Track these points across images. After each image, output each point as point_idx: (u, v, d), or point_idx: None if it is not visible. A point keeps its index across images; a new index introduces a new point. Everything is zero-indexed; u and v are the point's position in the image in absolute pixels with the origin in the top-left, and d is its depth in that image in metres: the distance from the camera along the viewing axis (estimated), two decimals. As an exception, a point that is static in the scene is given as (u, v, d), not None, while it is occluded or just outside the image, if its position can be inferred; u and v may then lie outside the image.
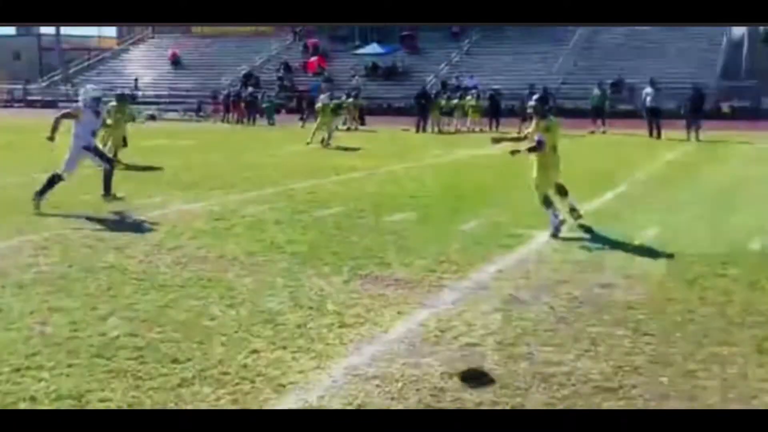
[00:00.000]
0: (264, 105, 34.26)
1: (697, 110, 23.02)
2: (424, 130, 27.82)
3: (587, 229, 7.96)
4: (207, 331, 4.66)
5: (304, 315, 5.00)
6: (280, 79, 44.65)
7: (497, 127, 27.64)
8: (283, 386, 3.85)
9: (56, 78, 49.97)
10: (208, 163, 15.13)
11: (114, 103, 14.53)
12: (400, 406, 3.65)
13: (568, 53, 41.78)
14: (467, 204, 9.82)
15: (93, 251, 6.88)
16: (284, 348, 4.37)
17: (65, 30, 52.68)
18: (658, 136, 22.98)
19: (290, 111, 38.35)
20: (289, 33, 51.56)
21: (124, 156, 13.86)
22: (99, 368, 4.05)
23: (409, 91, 35.96)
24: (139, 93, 42.16)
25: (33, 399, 3.68)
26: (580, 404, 3.66)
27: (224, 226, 8.24)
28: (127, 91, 24.18)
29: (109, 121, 11.98)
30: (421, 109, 28.37)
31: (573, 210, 8.18)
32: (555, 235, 7.65)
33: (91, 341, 4.46)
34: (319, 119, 20.91)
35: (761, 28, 39.85)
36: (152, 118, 33.89)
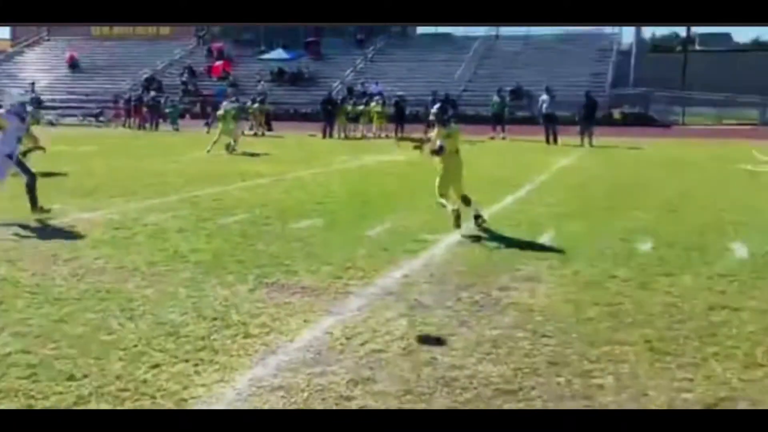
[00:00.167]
0: (167, 110, 33.46)
1: (589, 117, 24.14)
2: (331, 135, 27.90)
3: (488, 233, 8.17)
4: (105, 346, 4.51)
5: (208, 326, 4.91)
6: (183, 83, 43.76)
7: (402, 132, 27.94)
8: (185, 401, 3.77)
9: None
10: (109, 170, 14.64)
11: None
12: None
13: (469, 60, 42.75)
14: (373, 209, 9.90)
15: (-19, 264, 6.54)
16: (186, 361, 4.28)
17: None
18: (555, 141, 23.93)
19: (195, 116, 37.63)
20: (192, 37, 50.61)
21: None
22: (-13, 389, 3.86)
23: (315, 96, 35.96)
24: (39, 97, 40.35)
25: None
26: (482, 408, 3.75)
27: (124, 235, 7.99)
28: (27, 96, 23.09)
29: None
30: (328, 114, 28.43)
31: (477, 217, 8.46)
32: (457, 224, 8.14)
33: (-22, 360, 4.24)
34: (221, 126, 20.60)
35: (648, 39, 41.90)
36: (50, 123, 32.51)
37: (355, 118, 29.42)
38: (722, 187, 12.62)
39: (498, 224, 8.66)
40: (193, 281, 6.08)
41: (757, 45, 73.11)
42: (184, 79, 44.29)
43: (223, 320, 5.04)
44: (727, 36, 76.16)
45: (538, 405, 3.78)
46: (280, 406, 3.73)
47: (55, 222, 8.71)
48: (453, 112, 9.45)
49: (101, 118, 36.61)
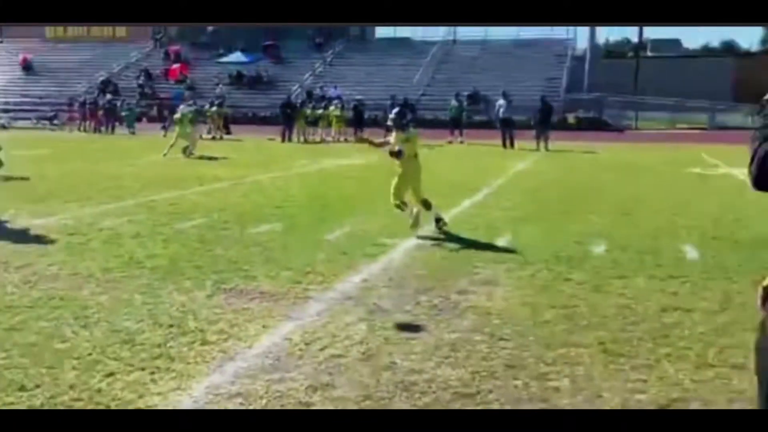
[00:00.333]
0: (123, 113, 32.97)
1: (545, 121, 24.52)
2: (290, 139, 27.80)
3: (447, 237, 8.23)
4: (58, 355, 4.42)
5: (164, 333, 4.85)
6: (140, 86, 43.20)
7: (364, 142, 28.00)
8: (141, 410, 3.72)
9: None
10: (63, 174, 14.37)
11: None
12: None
13: (427, 65, 43.03)
14: (333, 213, 9.89)
15: (-71, 272, 6.36)
16: (142, 369, 4.22)
17: None
18: (512, 145, 24.25)
19: (151, 119, 37.16)
20: (149, 39, 50.02)
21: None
22: (-65, 400, 3.75)
23: (274, 100, 35.82)
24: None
25: None
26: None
27: (79, 241, 7.85)
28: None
29: None
30: (287, 118, 28.32)
31: (438, 220, 8.58)
32: (414, 226, 8.37)
33: (-75, 371, 4.12)
34: (177, 129, 20.38)
35: (602, 44, 42.70)
36: (2, 127, 31.79)
37: (314, 122, 29.37)
38: (674, 190, 12.90)
39: (456, 228, 8.74)
40: (149, 287, 6.00)
41: (707, 51, 75.16)
42: (140, 82, 43.72)
43: (179, 327, 4.98)
44: (677, 42, 78.30)
45: (495, 408, 3.82)
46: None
47: (5, 227, 8.52)
48: (411, 117, 9.58)
49: (56, 122, 35.90)
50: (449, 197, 10.98)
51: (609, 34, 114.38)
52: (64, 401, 3.78)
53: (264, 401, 3.84)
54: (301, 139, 28.04)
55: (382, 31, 53.72)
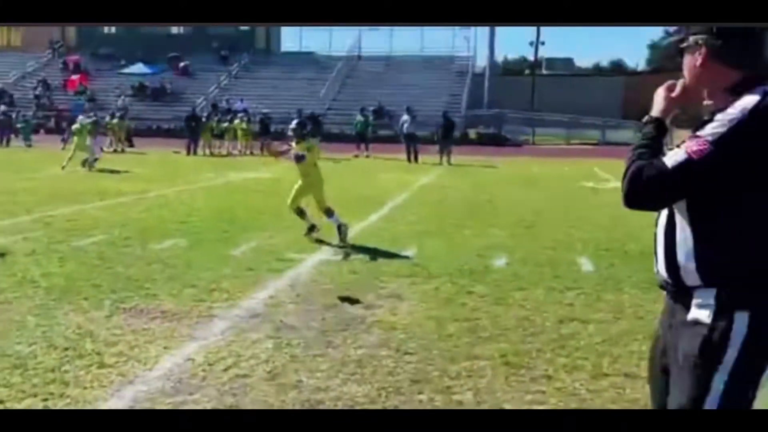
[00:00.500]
0: (19, 125, 31.55)
1: (447, 136, 25.16)
2: (195, 152, 27.30)
3: (354, 251, 8.27)
4: (-58, 383, 4.18)
5: (59, 357, 4.65)
6: (37, 97, 41.44)
7: (269, 152, 27.81)
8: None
9: None
10: (-52, 189, 13.58)
11: None
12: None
13: (333, 80, 43.22)
14: (239, 228, 9.76)
15: None
16: (34, 396, 4.03)
17: None
18: (416, 160, 24.75)
19: (49, 131, 35.71)
20: (47, 49, 48.15)
21: None
22: None
23: (178, 112, 35.07)
24: None
25: None
26: None
27: (-34, 260, 7.45)
28: None
29: None
30: (192, 131, 27.79)
31: (340, 226, 8.89)
32: (311, 229, 9.01)
33: None
34: (76, 141, 19.68)
35: (500, 62, 44.04)
36: None
37: (220, 135, 28.97)
38: (570, 204, 13.40)
39: (363, 242, 8.80)
40: (43, 308, 5.75)
41: (597, 70, 78.83)
42: (37, 92, 41.96)
43: (75, 350, 4.79)
44: (570, 60, 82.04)
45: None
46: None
47: None
48: (311, 128, 10.26)
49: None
50: (357, 211, 11.04)
51: (507, 51, 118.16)
52: (-51, 432, 3.57)
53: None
54: (207, 152, 27.60)
55: (287, 45, 53.68)
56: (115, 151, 26.93)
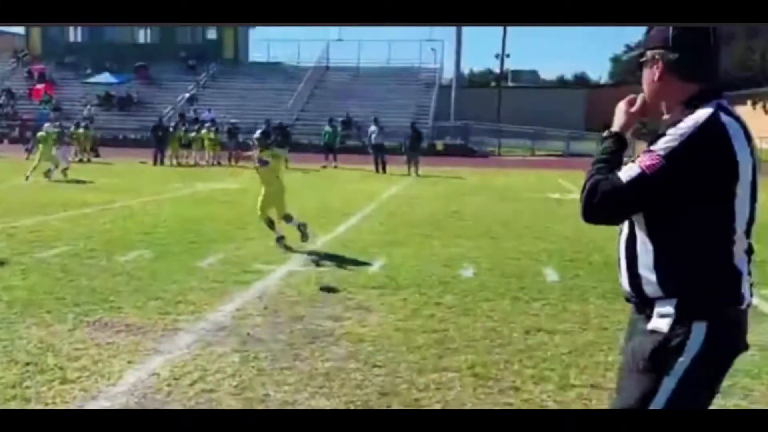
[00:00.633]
0: (-20, 134, 30.94)
1: (415, 147, 25.30)
2: (162, 162, 27.04)
3: (321, 262, 8.25)
4: None
5: (20, 372, 4.56)
6: (1, 106, 40.74)
7: (236, 160, 27.67)
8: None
9: None
10: None
11: None
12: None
13: (301, 90, 43.19)
14: (206, 239, 9.68)
15: None
16: (-5, 412, 3.95)
17: None
18: (384, 170, 24.84)
19: (13, 141, 35.15)
20: (10, 57, 47.44)
21: None
22: None
23: (145, 122, 34.73)
24: None
25: None
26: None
27: (-76, 273, 7.28)
28: None
29: None
30: (159, 141, 27.53)
31: (300, 226, 9.17)
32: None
33: None
34: (40, 150, 19.39)
35: (466, 74, 44.41)
36: None
37: (187, 145, 28.73)
38: (536, 214, 13.51)
39: (332, 252, 8.78)
40: (4, 322, 5.64)
41: (561, 83, 79.96)
42: (1, 101, 41.30)
43: (37, 365, 4.70)
44: (535, 73, 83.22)
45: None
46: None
47: None
48: (275, 138, 10.57)
49: None
50: (325, 222, 11.02)
51: (473, 64, 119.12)
52: None
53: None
54: (174, 162, 27.35)
55: (255, 55, 53.52)
56: (80, 161, 26.57)
